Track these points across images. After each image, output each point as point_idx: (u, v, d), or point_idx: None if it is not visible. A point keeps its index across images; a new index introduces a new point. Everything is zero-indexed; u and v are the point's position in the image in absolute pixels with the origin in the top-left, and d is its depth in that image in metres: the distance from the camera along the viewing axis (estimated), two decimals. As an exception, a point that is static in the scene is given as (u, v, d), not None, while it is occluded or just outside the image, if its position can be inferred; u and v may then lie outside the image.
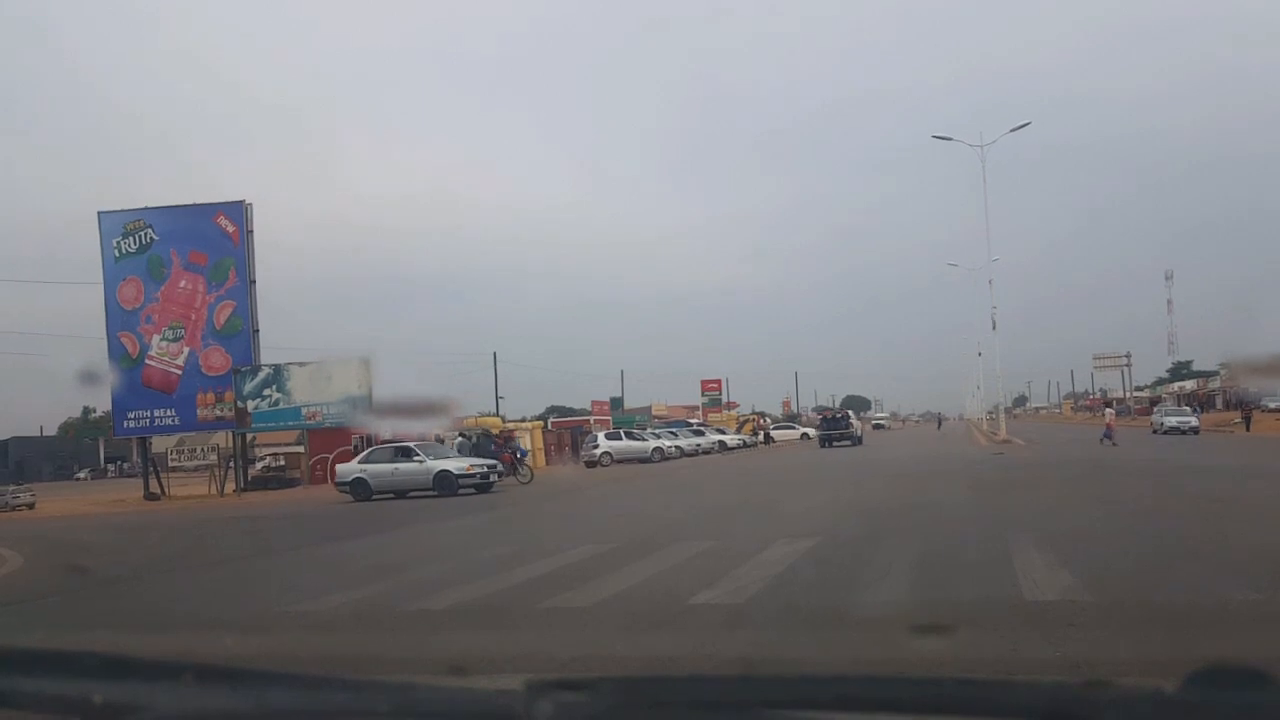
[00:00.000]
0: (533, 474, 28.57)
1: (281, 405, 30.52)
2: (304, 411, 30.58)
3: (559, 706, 1.23)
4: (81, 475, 68.56)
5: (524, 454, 36.78)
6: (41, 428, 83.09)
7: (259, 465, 36.32)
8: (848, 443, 43.23)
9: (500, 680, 1.74)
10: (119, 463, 69.42)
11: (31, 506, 27.18)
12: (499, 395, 63.15)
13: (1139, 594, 6.31)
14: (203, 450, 34.14)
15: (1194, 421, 41.89)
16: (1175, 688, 1.15)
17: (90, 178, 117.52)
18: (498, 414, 51.88)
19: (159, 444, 33.88)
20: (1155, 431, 41.69)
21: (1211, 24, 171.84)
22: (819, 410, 76.31)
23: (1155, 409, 49.28)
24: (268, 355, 32.12)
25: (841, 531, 10.31)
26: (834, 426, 46.13)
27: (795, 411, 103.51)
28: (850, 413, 56.54)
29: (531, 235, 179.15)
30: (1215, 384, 70.60)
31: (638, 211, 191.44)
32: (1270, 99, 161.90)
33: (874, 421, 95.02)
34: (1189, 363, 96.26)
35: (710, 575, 7.46)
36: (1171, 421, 41.73)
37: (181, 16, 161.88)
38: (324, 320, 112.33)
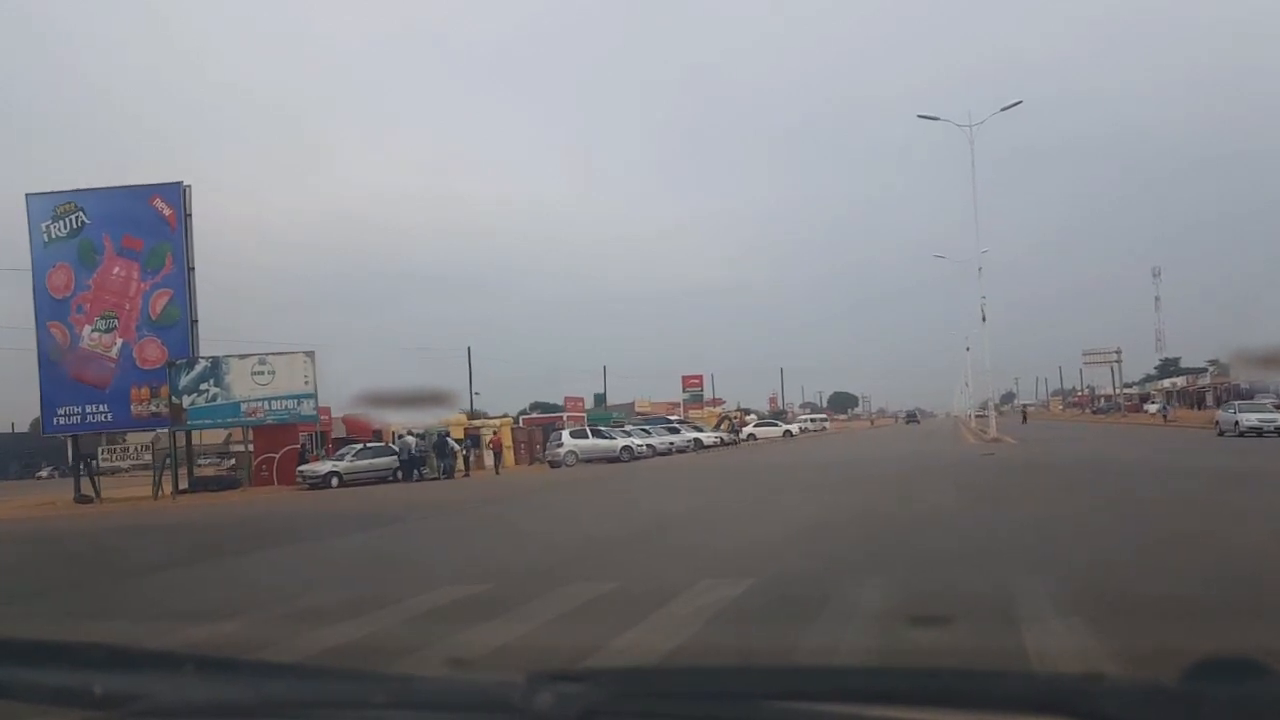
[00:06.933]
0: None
1: (220, 401, 28.50)
2: (244, 408, 28.57)
3: (558, 697, 1.22)
4: (43, 474, 66.02)
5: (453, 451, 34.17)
6: (14, 424, 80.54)
7: (207, 464, 34.19)
8: (918, 423, 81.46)
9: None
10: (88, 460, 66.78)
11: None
12: (474, 391, 61.24)
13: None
14: (136, 449, 31.97)
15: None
16: (1173, 679, 1.15)
17: (76, 166, 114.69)
18: (471, 409, 50.01)
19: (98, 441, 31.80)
20: (1223, 433, 32.72)
21: (1204, 21, 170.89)
22: (906, 411, 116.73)
23: (1223, 407, 37.73)
24: (246, 349, 30.31)
25: (787, 568, 8.29)
26: (912, 416, 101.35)
27: (781, 408, 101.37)
28: (918, 409, 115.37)
29: (522, 230, 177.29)
30: (1205, 380, 69.16)
31: (629, 208, 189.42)
32: (1261, 97, 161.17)
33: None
34: (1176, 359, 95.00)
35: (592, 639, 5.49)
36: (1252, 420, 31.87)
37: (180, 12, 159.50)
38: (311, 316, 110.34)
